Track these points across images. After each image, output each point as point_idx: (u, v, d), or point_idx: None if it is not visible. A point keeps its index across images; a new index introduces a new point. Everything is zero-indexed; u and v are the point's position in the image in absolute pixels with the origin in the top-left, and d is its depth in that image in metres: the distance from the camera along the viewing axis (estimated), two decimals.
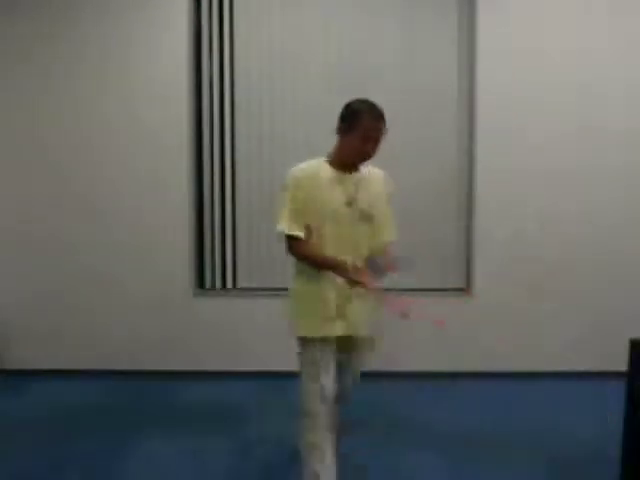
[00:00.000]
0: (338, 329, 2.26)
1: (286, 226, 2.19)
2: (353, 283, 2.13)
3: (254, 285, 4.04)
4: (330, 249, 2.20)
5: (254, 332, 3.92)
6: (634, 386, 2.12)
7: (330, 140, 2.28)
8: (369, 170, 2.33)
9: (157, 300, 3.97)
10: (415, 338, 3.96)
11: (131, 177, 3.92)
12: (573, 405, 3.50)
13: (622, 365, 2.23)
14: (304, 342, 2.28)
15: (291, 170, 2.24)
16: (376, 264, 2.21)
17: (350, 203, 2.21)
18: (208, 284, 4.07)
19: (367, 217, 2.24)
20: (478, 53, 3.84)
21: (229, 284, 4.07)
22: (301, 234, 2.19)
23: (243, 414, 3.39)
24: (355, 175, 2.26)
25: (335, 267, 2.18)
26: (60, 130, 3.91)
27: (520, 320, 3.95)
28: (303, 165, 2.25)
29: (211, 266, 4.06)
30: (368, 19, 3.92)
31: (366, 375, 3.43)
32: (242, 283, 4.06)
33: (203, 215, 4.03)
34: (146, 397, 3.66)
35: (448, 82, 3.96)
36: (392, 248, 2.37)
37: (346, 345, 2.33)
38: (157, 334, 3.97)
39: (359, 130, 2.16)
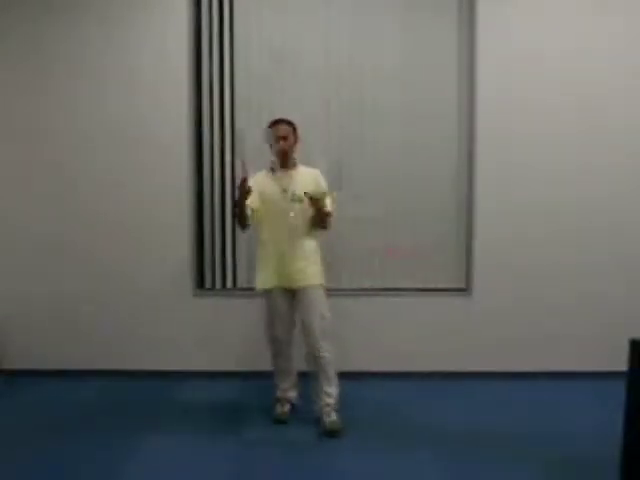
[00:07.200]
0: (277, 282, 3.21)
1: None
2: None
3: (254, 285, 4.03)
4: (272, 221, 3.19)
5: (254, 332, 3.91)
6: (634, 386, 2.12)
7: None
8: (303, 169, 3.28)
9: (157, 300, 3.97)
10: (415, 338, 3.97)
11: (131, 177, 3.93)
12: (573, 405, 3.50)
13: (622, 365, 2.23)
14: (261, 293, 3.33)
15: None
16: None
17: (285, 190, 3.19)
18: (208, 284, 4.07)
19: (298, 199, 3.14)
20: (478, 53, 3.84)
21: (229, 284, 4.07)
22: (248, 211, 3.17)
23: (243, 414, 3.39)
24: (289, 172, 3.24)
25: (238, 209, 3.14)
26: (60, 130, 3.91)
27: (520, 320, 3.95)
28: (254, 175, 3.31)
29: (211, 266, 4.06)
30: (368, 19, 3.92)
31: (366, 375, 3.45)
32: (242, 283, 4.06)
33: (203, 215, 4.03)
34: (146, 397, 3.66)
35: (448, 82, 3.95)
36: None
37: (295, 294, 3.22)
38: (157, 334, 3.97)
39: (271, 135, 3.25)
